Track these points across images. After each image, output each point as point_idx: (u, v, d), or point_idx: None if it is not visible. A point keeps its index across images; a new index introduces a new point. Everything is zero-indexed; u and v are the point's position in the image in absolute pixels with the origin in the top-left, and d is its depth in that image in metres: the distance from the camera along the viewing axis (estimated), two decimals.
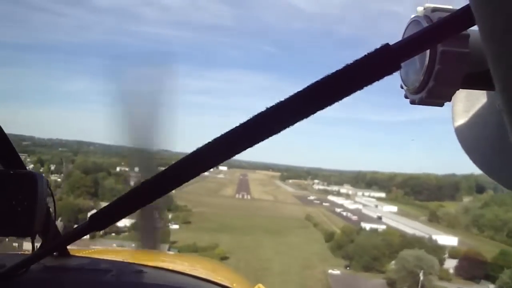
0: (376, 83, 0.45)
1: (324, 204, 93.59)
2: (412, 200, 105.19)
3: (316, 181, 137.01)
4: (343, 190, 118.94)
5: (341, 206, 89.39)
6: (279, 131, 0.50)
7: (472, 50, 0.48)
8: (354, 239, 48.47)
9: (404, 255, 37.96)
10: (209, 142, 0.53)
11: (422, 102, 0.52)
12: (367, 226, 60.96)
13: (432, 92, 0.50)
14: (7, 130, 1.05)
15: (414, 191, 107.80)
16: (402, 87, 0.57)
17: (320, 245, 54.17)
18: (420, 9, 0.53)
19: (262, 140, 0.51)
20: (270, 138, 0.50)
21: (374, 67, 0.45)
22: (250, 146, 0.52)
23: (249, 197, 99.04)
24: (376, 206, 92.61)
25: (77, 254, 1.38)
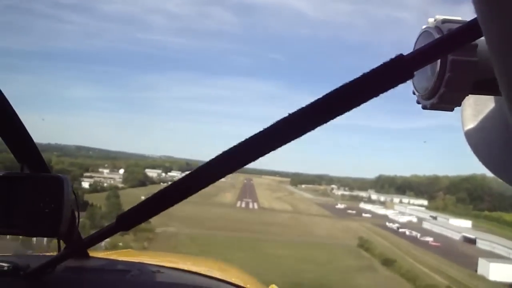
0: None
1: (364, 215, 63.25)
2: (470, 209, 73.03)
3: (333, 186, 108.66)
4: (373, 196, 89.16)
5: (385, 217, 59.88)
6: (296, 138, 0.52)
7: (480, 58, 0.49)
8: None
9: None
10: (239, 144, 0.56)
11: (433, 107, 0.53)
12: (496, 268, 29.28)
13: (443, 97, 0.51)
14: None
15: (472, 197, 76.00)
16: (414, 93, 0.58)
17: None
18: (431, 20, 0.54)
19: (279, 146, 0.53)
20: (280, 148, 0.53)
21: (389, 76, 0.47)
22: (266, 153, 0.55)
23: (256, 206, 67.43)
24: (435, 217, 61.97)
25: (95, 255, 1.38)
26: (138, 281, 1.16)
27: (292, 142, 0.52)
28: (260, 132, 0.53)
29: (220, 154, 0.57)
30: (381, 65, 0.46)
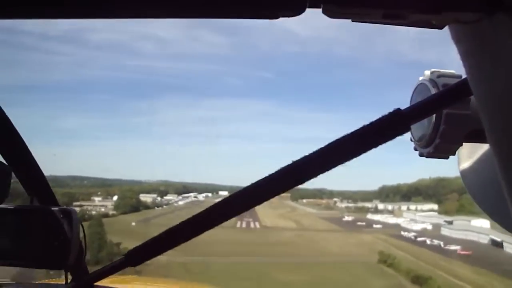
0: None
1: (375, 226, 58.28)
2: None
3: (335, 199, 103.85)
4: (380, 206, 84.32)
5: (397, 226, 55.23)
6: (294, 187, 0.55)
7: (473, 110, 0.51)
8: None
9: None
10: (236, 192, 0.59)
11: (429, 155, 0.56)
12: None
13: (438, 148, 0.54)
14: None
15: None
16: (411, 140, 0.61)
17: None
18: (427, 73, 0.58)
19: (277, 194, 0.55)
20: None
21: (386, 129, 0.49)
22: (262, 202, 0.58)
23: (257, 225, 62.22)
24: (451, 222, 56.92)
25: (99, 284, 1.35)
26: None
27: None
28: (259, 181, 0.53)
29: (226, 198, 0.59)
30: (379, 118, 0.48)
